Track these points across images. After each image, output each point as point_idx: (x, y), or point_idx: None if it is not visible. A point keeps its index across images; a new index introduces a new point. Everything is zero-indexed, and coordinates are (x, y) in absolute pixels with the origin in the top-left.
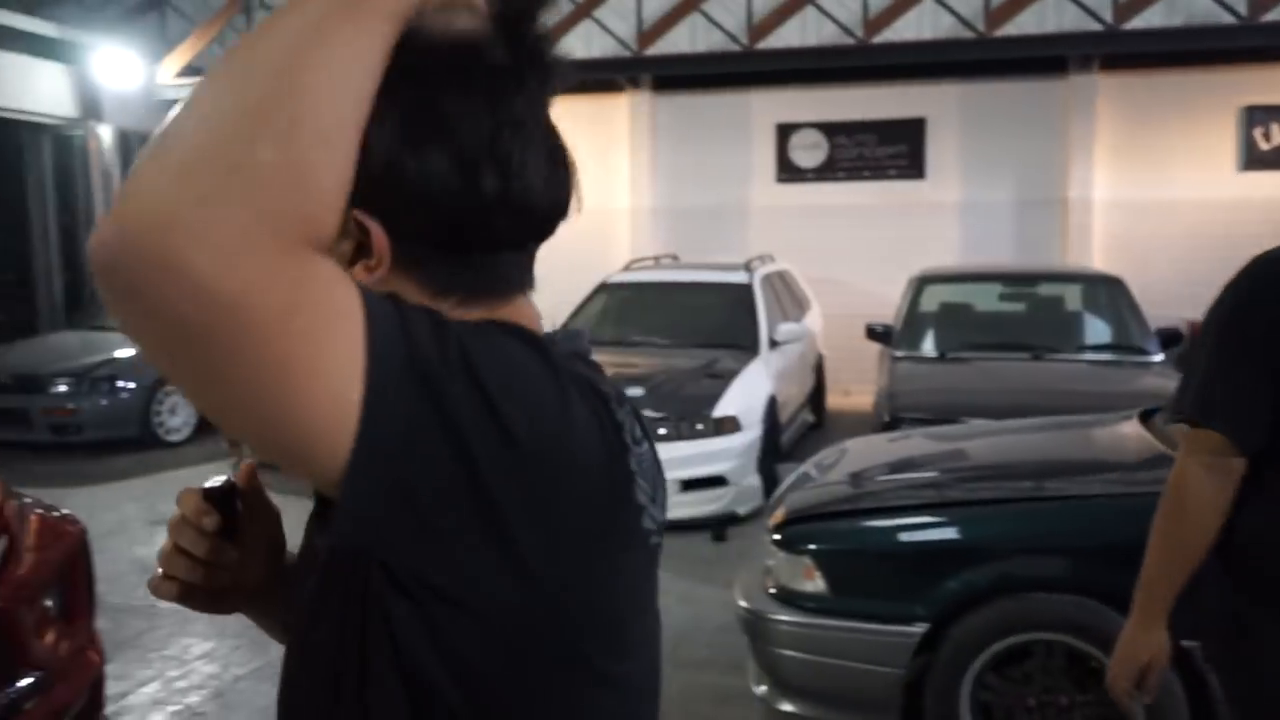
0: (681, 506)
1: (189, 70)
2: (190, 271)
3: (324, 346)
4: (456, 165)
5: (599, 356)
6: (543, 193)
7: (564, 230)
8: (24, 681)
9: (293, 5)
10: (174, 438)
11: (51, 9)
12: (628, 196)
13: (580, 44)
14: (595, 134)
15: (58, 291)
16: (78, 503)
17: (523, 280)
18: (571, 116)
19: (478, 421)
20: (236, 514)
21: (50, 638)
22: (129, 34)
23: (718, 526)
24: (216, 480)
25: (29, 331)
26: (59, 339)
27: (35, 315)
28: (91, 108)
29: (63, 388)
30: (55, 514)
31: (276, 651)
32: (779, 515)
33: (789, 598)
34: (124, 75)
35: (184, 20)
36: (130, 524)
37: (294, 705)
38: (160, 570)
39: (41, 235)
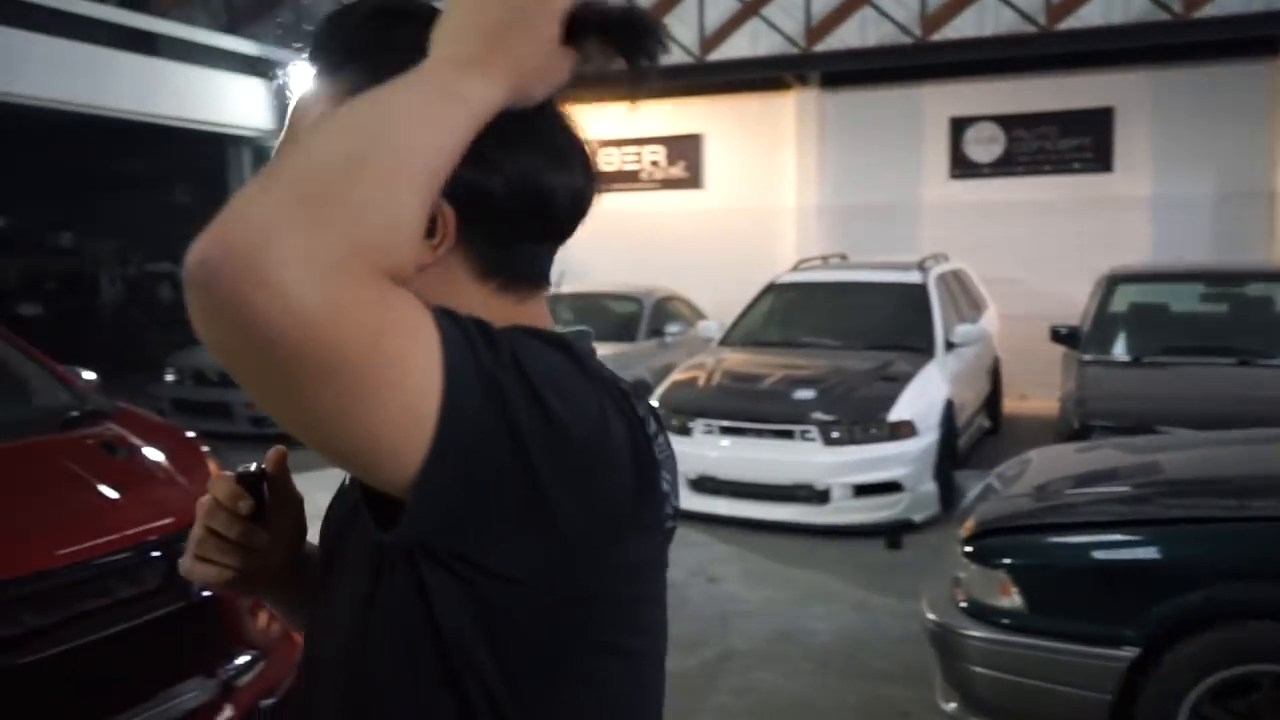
0: (854, 512)
1: None
2: (287, 290)
3: (407, 365)
4: (528, 161)
5: (766, 357)
6: (582, 189)
7: (729, 230)
8: (240, 660)
9: (402, 84)
10: None
11: (251, 29)
12: (794, 195)
13: (747, 42)
14: (761, 133)
15: None
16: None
17: (548, 276)
18: (737, 115)
19: (532, 416)
20: (264, 499)
21: (261, 619)
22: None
23: (892, 534)
24: (249, 466)
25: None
26: None
27: None
28: (285, 119)
29: None
30: None
31: None
32: (969, 526)
33: (982, 613)
34: None
35: None
36: (323, 512)
37: (359, 685)
38: (192, 553)
39: None
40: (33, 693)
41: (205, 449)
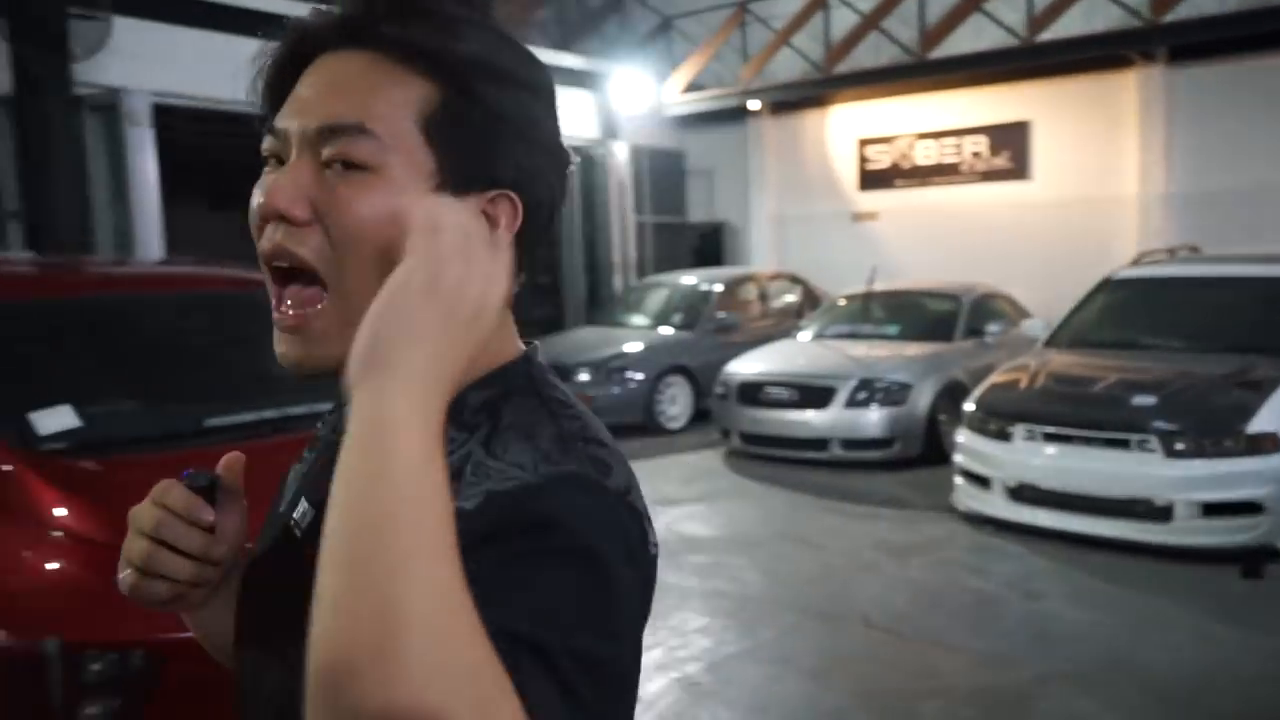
0: (1202, 533)
1: (692, 87)
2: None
3: None
4: (555, 166)
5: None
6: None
7: (1058, 222)
8: None
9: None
10: (672, 425)
11: (578, 44)
12: (1135, 182)
13: (1080, 19)
14: (1096, 116)
15: (581, 291)
16: None
17: None
18: (1069, 99)
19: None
20: (214, 507)
21: None
22: (641, 59)
23: (1250, 561)
24: (199, 472)
25: (558, 327)
26: (582, 333)
27: (563, 313)
28: (610, 128)
29: (584, 376)
30: None
31: (765, 634)
32: None
33: None
34: (636, 97)
35: (687, 42)
36: None
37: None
38: (133, 569)
39: (569, 243)
40: None
41: None
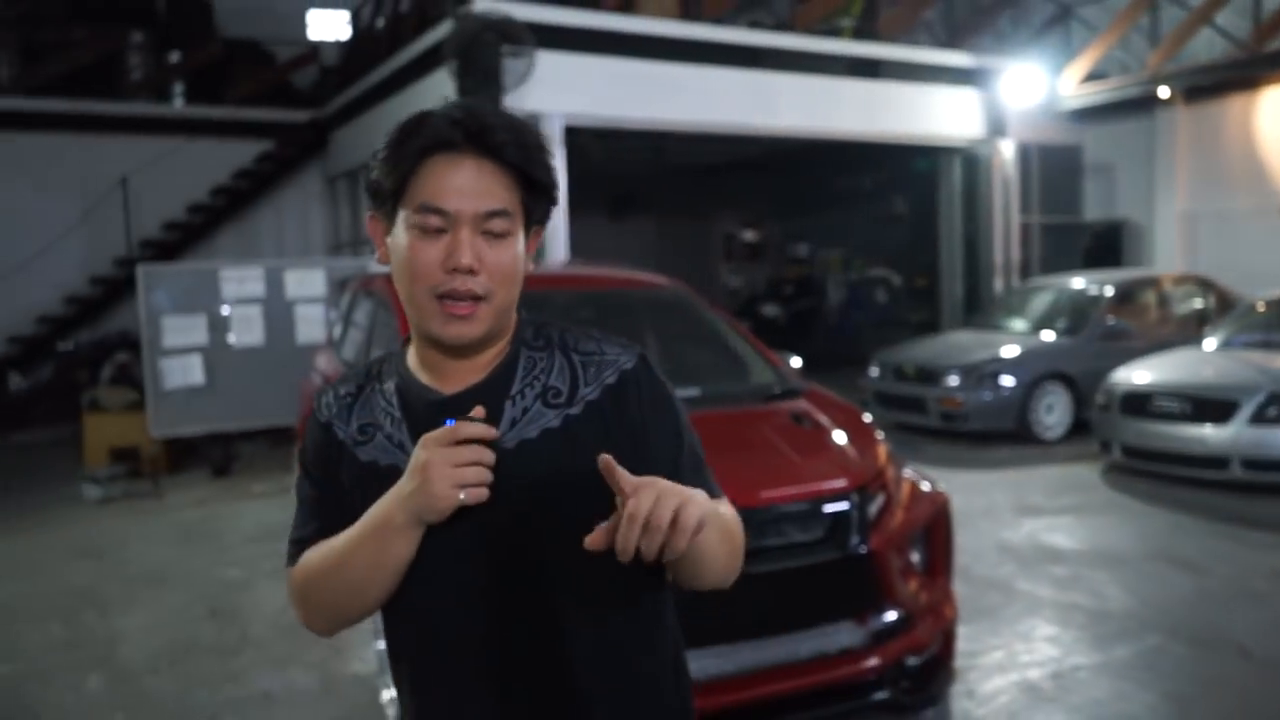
0: None
1: (1091, 77)
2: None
3: None
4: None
5: None
6: None
7: None
8: (889, 616)
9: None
10: (1048, 435)
11: (969, 41)
12: None
13: None
14: None
15: (958, 295)
16: (955, 484)
17: None
18: None
19: None
20: None
21: (913, 586)
22: (1035, 52)
23: None
24: (473, 414)
25: (933, 330)
26: (956, 337)
27: (938, 315)
28: (997, 126)
29: (954, 381)
30: (925, 485)
31: (1121, 651)
32: None
33: None
34: (1027, 92)
35: (1087, 30)
36: (998, 509)
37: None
38: (466, 482)
39: (948, 245)
40: (738, 599)
41: (879, 433)
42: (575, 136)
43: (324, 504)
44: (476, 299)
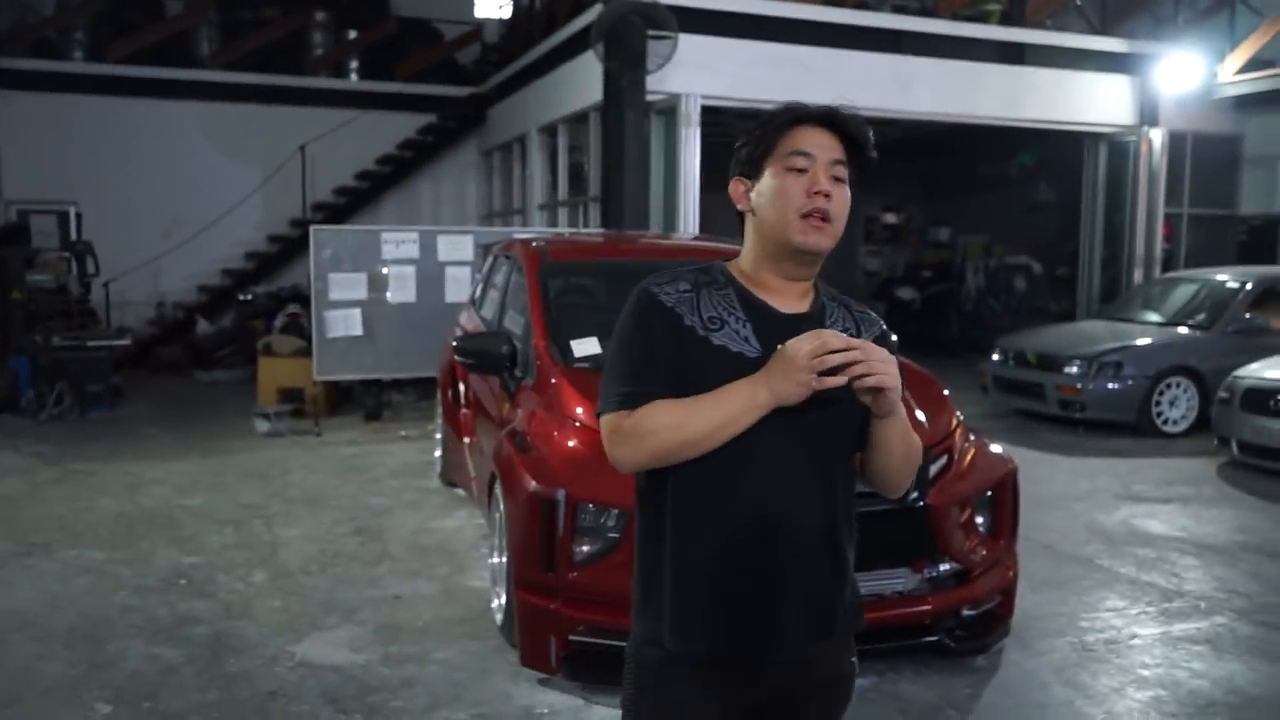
0: None
1: (1255, 64)
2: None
3: None
4: None
5: None
6: None
7: None
8: (944, 567)
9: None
10: (1170, 429)
11: (1123, 27)
12: None
13: None
14: None
15: (1096, 283)
16: (1061, 467)
17: None
18: None
19: None
20: None
21: (972, 543)
22: (1195, 38)
23: None
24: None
25: (1068, 318)
26: (1087, 326)
27: (1074, 304)
28: (1148, 113)
29: (1074, 369)
30: (994, 451)
31: (1184, 626)
32: None
33: None
34: (1183, 79)
35: (1253, 15)
36: (1099, 494)
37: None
38: (824, 376)
39: (1089, 236)
40: None
41: (946, 393)
42: (707, 115)
43: (668, 370)
44: (826, 219)
